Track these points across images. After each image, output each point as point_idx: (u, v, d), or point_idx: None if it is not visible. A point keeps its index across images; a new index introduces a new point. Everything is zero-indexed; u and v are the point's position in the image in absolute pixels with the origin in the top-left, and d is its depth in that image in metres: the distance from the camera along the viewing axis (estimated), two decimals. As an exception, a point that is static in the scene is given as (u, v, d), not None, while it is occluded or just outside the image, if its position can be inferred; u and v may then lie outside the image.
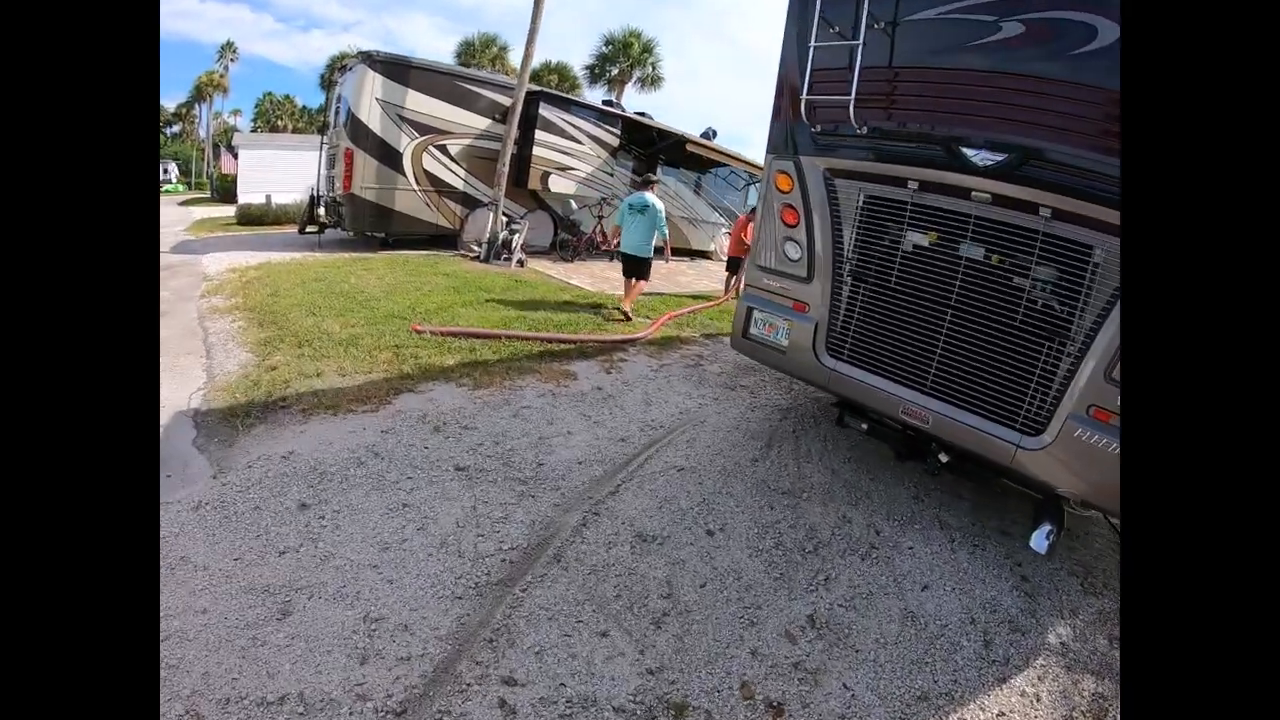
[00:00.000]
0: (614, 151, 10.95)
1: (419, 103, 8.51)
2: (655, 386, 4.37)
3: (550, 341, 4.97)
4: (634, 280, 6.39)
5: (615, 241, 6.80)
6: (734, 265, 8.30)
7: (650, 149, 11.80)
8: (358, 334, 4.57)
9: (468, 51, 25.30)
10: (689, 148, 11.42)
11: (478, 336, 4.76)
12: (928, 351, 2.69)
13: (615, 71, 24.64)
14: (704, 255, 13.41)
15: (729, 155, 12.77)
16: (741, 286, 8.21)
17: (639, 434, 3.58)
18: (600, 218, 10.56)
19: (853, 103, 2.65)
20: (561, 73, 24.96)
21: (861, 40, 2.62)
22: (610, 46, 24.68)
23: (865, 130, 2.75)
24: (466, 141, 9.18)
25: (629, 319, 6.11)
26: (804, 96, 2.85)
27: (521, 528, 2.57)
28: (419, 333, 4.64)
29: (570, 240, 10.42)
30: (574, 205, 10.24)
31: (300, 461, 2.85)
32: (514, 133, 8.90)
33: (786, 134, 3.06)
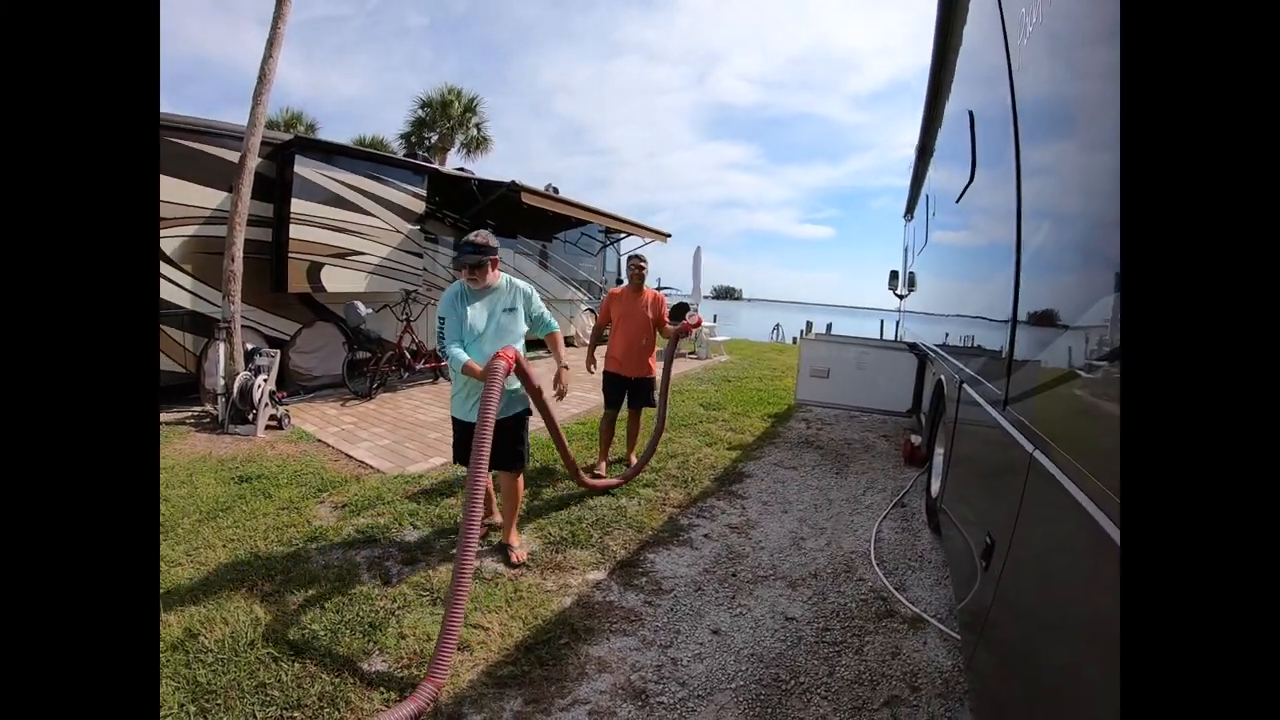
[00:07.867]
0: (420, 221, 7.58)
1: None
2: None
3: None
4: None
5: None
6: (644, 391, 4.28)
7: (468, 211, 8.83)
8: None
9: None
10: (525, 199, 8.17)
11: None
12: None
13: (435, 138, 20.81)
14: (565, 342, 10.54)
15: (583, 208, 9.79)
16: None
17: None
18: (408, 320, 7.23)
19: None
20: (377, 147, 19.46)
21: None
22: (427, 110, 20.53)
23: None
24: (191, 231, 5.71)
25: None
26: None
27: None
28: None
29: (366, 363, 6.66)
30: (361, 309, 6.55)
31: None
32: (244, 204, 5.49)
33: None
